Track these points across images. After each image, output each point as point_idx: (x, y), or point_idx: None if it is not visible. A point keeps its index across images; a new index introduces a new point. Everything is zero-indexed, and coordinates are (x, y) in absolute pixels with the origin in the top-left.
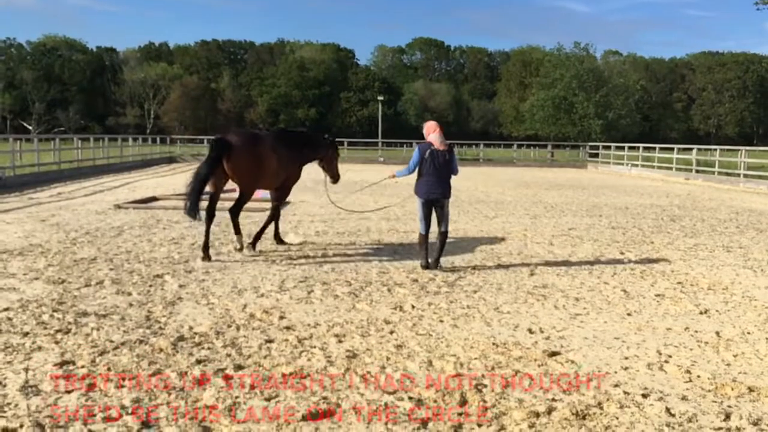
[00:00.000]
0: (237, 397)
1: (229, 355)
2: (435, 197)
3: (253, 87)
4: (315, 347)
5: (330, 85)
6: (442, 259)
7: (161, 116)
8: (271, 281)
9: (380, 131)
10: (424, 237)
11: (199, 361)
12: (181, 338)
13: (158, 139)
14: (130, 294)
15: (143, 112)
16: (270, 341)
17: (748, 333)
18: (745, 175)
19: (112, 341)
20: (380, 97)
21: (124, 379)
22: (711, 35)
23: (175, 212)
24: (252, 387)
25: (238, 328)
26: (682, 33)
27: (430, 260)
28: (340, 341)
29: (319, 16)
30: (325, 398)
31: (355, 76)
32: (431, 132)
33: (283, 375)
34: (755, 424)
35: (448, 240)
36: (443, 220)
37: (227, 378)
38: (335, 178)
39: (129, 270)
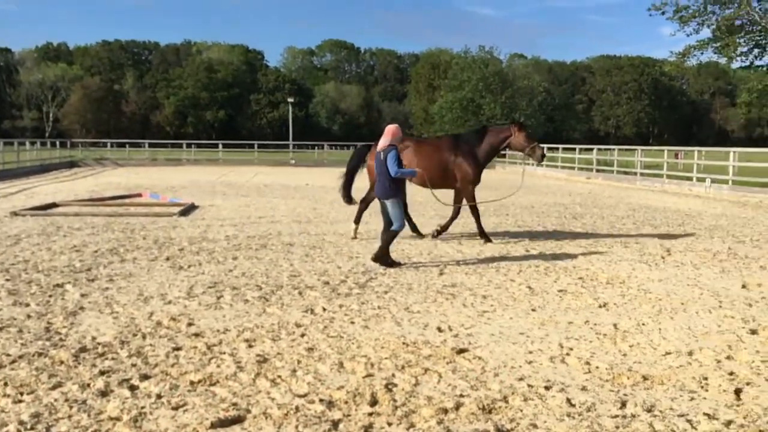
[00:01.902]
0: (143, 408)
1: (134, 365)
2: (378, 196)
3: (159, 89)
4: (224, 353)
5: (239, 86)
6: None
7: (61, 119)
8: (178, 287)
9: (291, 133)
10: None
11: (102, 372)
12: (84, 349)
13: (58, 143)
14: (28, 305)
15: (41, 115)
16: (178, 349)
17: (643, 324)
18: (642, 174)
19: (9, 355)
20: (290, 99)
21: (22, 394)
22: (609, 39)
23: (77, 219)
24: (159, 396)
25: (144, 337)
26: (583, 37)
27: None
28: (250, 346)
29: (226, 16)
30: (234, 404)
31: (265, 78)
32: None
33: (192, 383)
34: (649, 410)
35: (360, 240)
36: (390, 219)
37: (132, 388)
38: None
39: (27, 280)
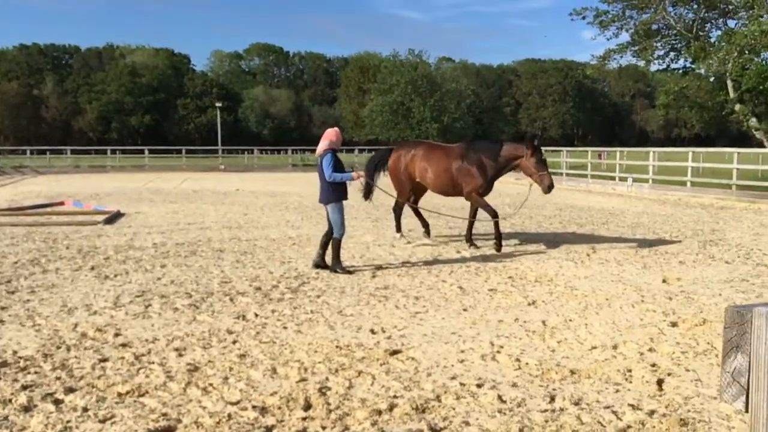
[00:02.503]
0: (68, 422)
1: (59, 378)
2: (320, 201)
3: (80, 94)
4: (153, 363)
5: (165, 91)
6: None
7: None
8: (104, 297)
9: (220, 138)
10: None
11: (25, 387)
12: (4, 364)
13: None
14: None
15: None
16: (104, 360)
17: (570, 320)
18: (567, 174)
19: None
20: (218, 104)
21: None
22: (535, 43)
23: None
24: (85, 410)
25: (68, 349)
26: (509, 41)
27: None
28: (180, 355)
29: (150, 20)
30: (165, 414)
31: (192, 82)
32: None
33: (119, 394)
34: (576, 403)
35: (292, 244)
36: (332, 225)
37: (57, 402)
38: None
39: None
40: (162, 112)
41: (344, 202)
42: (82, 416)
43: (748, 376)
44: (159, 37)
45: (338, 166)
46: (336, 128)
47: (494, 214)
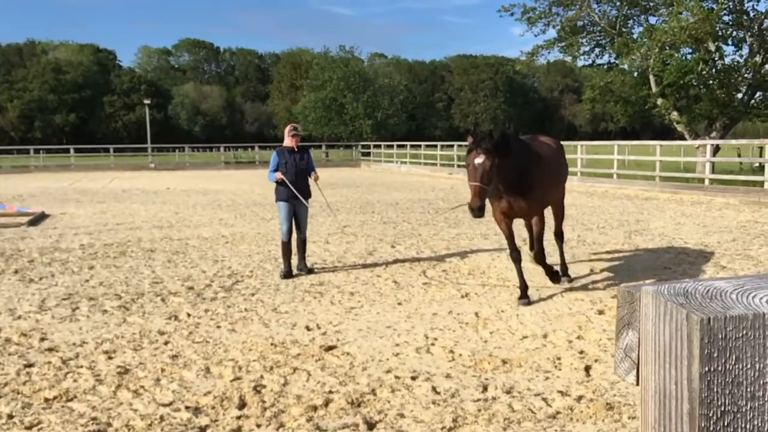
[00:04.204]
0: None
1: None
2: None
3: (1, 92)
4: (82, 367)
5: (91, 88)
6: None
7: None
8: (29, 301)
9: (149, 136)
10: (286, 244)
11: None
12: None
13: None
14: None
15: None
16: (30, 365)
17: (502, 311)
18: None
19: None
20: (147, 101)
21: None
22: (467, 39)
23: None
24: (10, 417)
25: None
26: (441, 37)
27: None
28: (110, 358)
29: (73, 14)
30: (94, 419)
31: (119, 79)
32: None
33: (46, 400)
34: (508, 392)
35: (225, 243)
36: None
37: None
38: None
39: None
40: (88, 109)
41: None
42: (7, 423)
43: (638, 351)
44: (83, 32)
45: (278, 165)
46: (289, 125)
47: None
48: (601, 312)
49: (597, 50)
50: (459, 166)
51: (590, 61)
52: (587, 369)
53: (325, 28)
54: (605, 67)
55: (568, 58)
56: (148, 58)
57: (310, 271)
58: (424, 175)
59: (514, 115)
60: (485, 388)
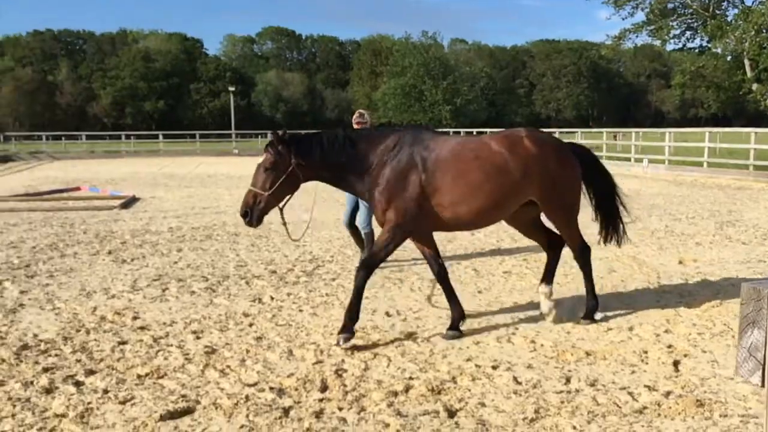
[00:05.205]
0: (89, 403)
1: (79, 361)
2: None
3: (94, 79)
4: (172, 345)
5: (178, 76)
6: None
7: None
8: (122, 281)
9: (233, 123)
10: (349, 229)
11: (46, 369)
12: (25, 347)
13: None
14: None
15: None
16: (123, 343)
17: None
18: None
19: None
20: (232, 88)
21: None
22: (547, 24)
23: (13, 215)
24: (105, 391)
25: (88, 332)
26: (521, 22)
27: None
28: (197, 337)
29: (162, 4)
30: (183, 396)
31: (205, 67)
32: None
33: (139, 376)
34: (592, 384)
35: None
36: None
37: (78, 384)
38: None
39: None
40: (175, 96)
41: None
42: (102, 398)
43: (765, 351)
44: (171, 21)
45: None
46: (357, 111)
47: None
48: (690, 306)
49: (688, 33)
50: None
51: (680, 45)
52: (676, 364)
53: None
54: (696, 51)
55: (657, 42)
56: (232, 46)
57: None
58: None
59: (598, 100)
60: (568, 380)
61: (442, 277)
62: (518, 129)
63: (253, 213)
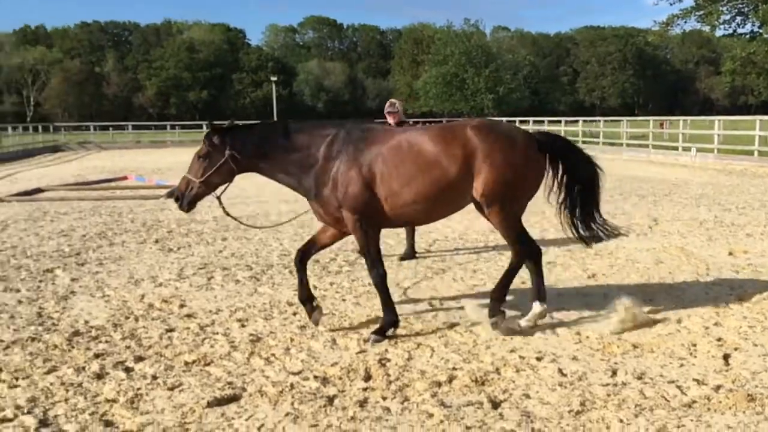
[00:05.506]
0: (139, 389)
1: (128, 347)
2: None
3: (140, 70)
4: (218, 333)
5: (221, 66)
6: None
7: (42, 103)
8: (169, 270)
9: (275, 112)
10: None
11: (97, 355)
12: (77, 333)
13: (40, 128)
14: (18, 291)
15: (22, 100)
16: (171, 330)
17: (631, 294)
18: (628, 144)
19: (2, 341)
20: (273, 78)
21: (17, 379)
22: (592, 10)
23: (64, 204)
24: (154, 377)
25: (136, 319)
26: (565, 9)
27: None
28: (243, 326)
29: None
30: (230, 383)
31: (247, 57)
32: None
33: (186, 363)
34: (639, 378)
35: None
36: None
37: (128, 370)
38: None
39: (16, 266)
40: (218, 87)
41: None
42: (151, 384)
43: None
44: (214, 12)
45: None
46: (389, 101)
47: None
48: (740, 298)
49: (738, 19)
50: (584, 142)
51: (730, 31)
52: (726, 357)
53: (445, 2)
54: (747, 36)
55: (706, 28)
56: (274, 35)
57: (408, 257)
58: None
59: (644, 88)
60: (614, 373)
61: (304, 266)
62: (469, 120)
63: (184, 198)
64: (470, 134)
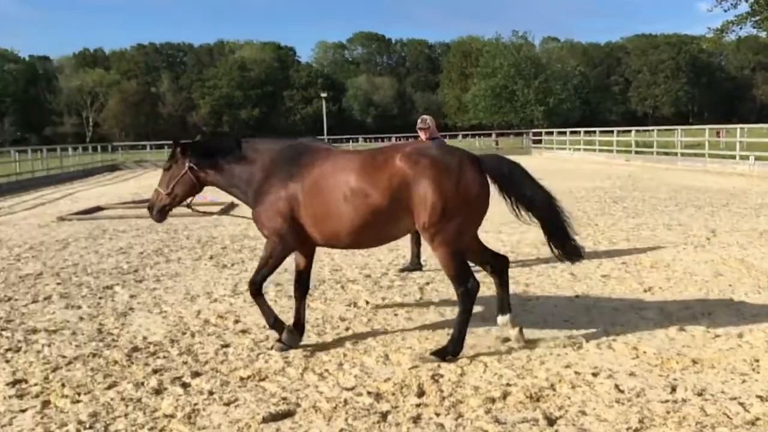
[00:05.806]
0: (196, 404)
1: (185, 363)
2: None
3: (194, 89)
4: (272, 349)
5: (272, 84)
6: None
7: (101, 124)
8: (224, 286)
9: (325, 128)
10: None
11: (155, 371)
12: (136, 349)
13: (99, 148)
14: (79, 307)
15: (82, 121)
16: (226, 346)
17: (689, 307)
18: (682, 154)
19: (64, 356)
20: (323, 94)
21: (79, 394)
22: (643, 19)
23: (122, 222)
24: (210, 393)
25: (193, 335)
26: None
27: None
28: None
29: (257, 14)
30: (284, 399)
31: (297, 74)
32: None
33: (241, 378)
34: (700, 394)
35: None
36: None
37: (185, 386)
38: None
39: (77, 283)
40: (269, 104)
41: None
42: (208, 399)
43: None
44: (265, 30)
45: None
46: (420, 117)
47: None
48: None
49: None
50: (636, 152)
51: None
52: None
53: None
54: None
55: (763, 34)
56: (324, 52)
57: (412, 269)
58: (599, 162)
59: (698, 96)
60: (674, 389)
61: (302, 295)
62: (405, 143)
63: (154, 209)
64: (399, 165)
